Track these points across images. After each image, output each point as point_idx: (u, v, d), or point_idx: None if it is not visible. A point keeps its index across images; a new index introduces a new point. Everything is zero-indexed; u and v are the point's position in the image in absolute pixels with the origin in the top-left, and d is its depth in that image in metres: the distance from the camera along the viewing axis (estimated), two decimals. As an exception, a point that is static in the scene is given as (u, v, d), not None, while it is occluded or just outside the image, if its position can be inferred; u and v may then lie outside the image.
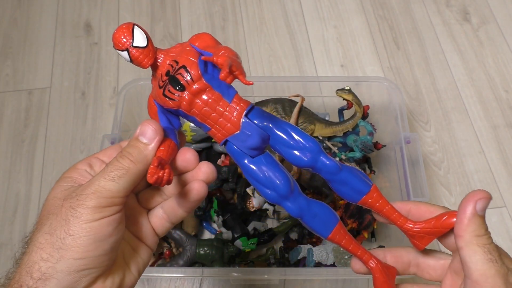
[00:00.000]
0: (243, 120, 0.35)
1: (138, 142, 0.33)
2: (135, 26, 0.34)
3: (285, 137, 0.36)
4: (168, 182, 0.32)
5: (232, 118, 0.35)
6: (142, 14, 1.13)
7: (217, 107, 0.35)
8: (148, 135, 0.33)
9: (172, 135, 0.35)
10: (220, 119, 0.35)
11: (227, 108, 0.35)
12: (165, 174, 0.31)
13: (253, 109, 0.36)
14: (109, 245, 0.31)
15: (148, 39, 0.34)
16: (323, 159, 0.36)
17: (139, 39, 0.33)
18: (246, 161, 0.36)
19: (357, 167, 0.79)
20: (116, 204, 0.32)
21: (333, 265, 0.73)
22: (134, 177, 0.33)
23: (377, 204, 0.37)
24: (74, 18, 1.13)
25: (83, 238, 0.30)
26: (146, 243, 0.37)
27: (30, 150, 0.95)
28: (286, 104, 0.80)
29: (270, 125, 0.36)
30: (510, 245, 0.84)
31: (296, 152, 0.36)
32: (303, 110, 0.80)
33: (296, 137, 0.36)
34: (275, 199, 0.36)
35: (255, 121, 0.35)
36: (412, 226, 0.35)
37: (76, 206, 0.31)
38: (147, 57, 0.34)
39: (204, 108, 0.35)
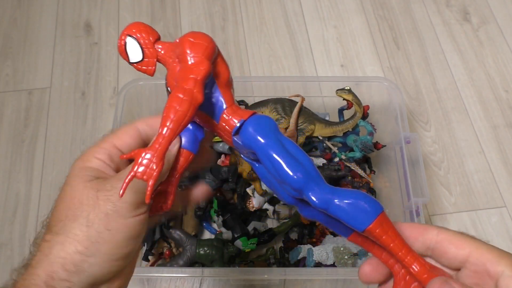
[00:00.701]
0: (233, 138, 0.33)
1: None
2: (128, 40, 0.32)
3: (267, 169, 0.32)
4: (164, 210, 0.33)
5: (225, 136, 0.34)
6: (142, 14, 1.13)
7: (210, 125, 0.34)
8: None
9: (189, 141, 0.34)
10: (218, 131, 0.34)
11: (218, 127, 0.33)
12: (162, 208, 0.33)
13: (242, 127, 0.32)
14: (138, 244, 0.32)
15: (144, 49, 0.32)
16: (310, 196, 0.30)
17: (134, 55, 0.32)
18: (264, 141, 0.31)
19: (358, 167, 0.79)
20: (146, 203, 0.30)
21: (333, 265, 0.73)
22: (160, 176, 0.30)
23: (383, 238, 0.30)
24: (74, 18, 1.13)
25: (120, 234, 0.30)
26: None
27: (30, 150, 0.95)
28: (286, 104, 0.80)
29: (254, 151, 0.32)
30: (510, 245, 0.84)
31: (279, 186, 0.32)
32: (303, 110, 0.80)
33: (279, 172, 0.31)
34: (301, 182, 0.30)
35: (241, 142, 0.32)
36: (417, 269, 0.30)
37: (115, 199, 0.30)
38: (148, 67, 0.33)
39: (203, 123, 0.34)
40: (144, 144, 0.35)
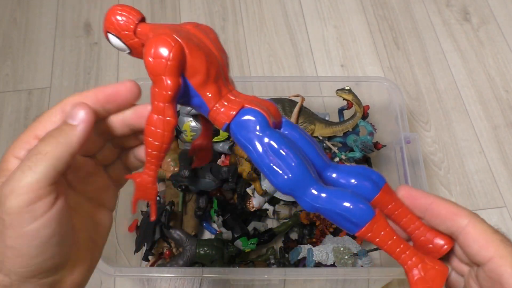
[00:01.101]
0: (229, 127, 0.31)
1: (64, 125, 0.28)
2: (110, 38, 0.30)
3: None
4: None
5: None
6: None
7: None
8: (78, 117, 0.28)
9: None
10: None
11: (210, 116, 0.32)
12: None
13: (230, 129, 0.31)
14: (56, 245, 0.27)
15: (126, 42, 0.30)
16: (299, 202, 0.31)
17: (121, 48, 0.31)
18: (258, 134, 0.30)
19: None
20: (43, 197, 0.26)
21: (333, 265, 0.73)
22: (55, 161, 0.26)
23: (377, 240, 0.30)
24: (74, 18, 1.13)
25: (24, 248, 0.26)
26: (105, 204, 0.34)
27: (30, 150, 0.94)
28: (286, 104, 0.80)
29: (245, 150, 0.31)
30: (510, 245, 0.84)
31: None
32: (303, 110, 0.80)
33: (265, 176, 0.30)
34: (293, 184, 0.30)
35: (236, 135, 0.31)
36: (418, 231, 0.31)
37: (4, 213, 0.25)
38: (140, 55, 0.31)
39: None
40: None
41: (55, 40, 1.09)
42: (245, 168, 0.78)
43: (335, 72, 1.04)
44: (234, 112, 0.30)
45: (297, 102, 0.80)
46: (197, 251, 0.74)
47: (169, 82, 0.28)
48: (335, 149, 0.80)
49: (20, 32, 1.10)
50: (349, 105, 0.81)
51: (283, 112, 0.80)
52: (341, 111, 0.84)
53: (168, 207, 0.76)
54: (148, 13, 1.13)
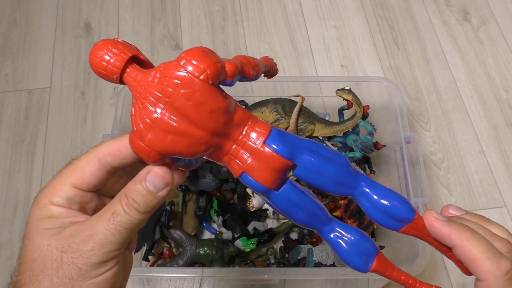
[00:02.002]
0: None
1: (145, 190, 0.29)
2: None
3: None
4: None
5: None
6: (142, 14, 1.13)
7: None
8: (157, 184, 0.30)
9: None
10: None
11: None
12: None
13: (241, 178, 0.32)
14: None
15: (110, 81, 0.29)
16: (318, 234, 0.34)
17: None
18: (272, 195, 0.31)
19: (358, 167, 0.79)
20: (118, 255, 0.29)
21: (333, 265, 0.73)
22: (138, 226, 0.30)
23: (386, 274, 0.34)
24: (74, 18, 1.13)
25: None
26: (129, 246, 0.35)
27: (30, 150, 0.95)
28: (286, 104, 0.80)
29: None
30: (510, 245, 0.84)
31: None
32: (303, 110, 0.80)
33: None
34: (310, 227, 0.33)
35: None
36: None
37: (81, 263, 0.28)
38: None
39: None
40: (108, 175, 0.31)
41: (55, 40, 1.09)
42: (245, 168, 0.78)
43: (335, 72, 1.04)
44: (237, 175, 0.31)
45: (297, 102, 0.80)
46: (197, 251, 0.74)
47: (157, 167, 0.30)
48: (335, 149, 0.80)
49: (20, 32, 1.10)
50: (349, 105, 0.81)
51: (283, 112, 0.80)
52: (341, 111, 0.84)
53: (168, 207, 0.76)
54: (148, 13, 1.13)
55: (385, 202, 0.32)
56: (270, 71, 0.35)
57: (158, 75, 0.27)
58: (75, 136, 0.96)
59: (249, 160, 0.30)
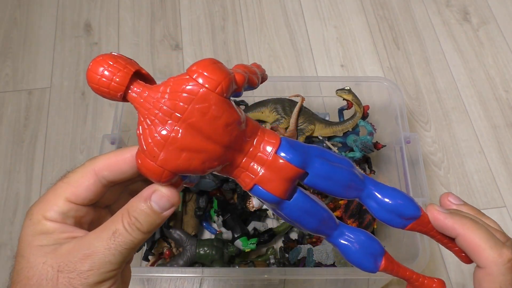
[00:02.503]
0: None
1: (149, 210, 0.28)
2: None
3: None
4: None
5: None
6: (142, 14, 1.13)
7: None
8: (163, 204, 0.29)
9: None
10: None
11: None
12: None
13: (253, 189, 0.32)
14: None
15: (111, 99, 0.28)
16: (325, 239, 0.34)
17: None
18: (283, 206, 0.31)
19: (358, 167, 0.79)
20: (117, 274, 0.28)
21: (333, 265, 0.73)
22: (139, 246, 0.29)
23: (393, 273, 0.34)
24: (74, 18, 1.13)
25: None
26: None
27: (30, 150, 0.95)
28: (286, 104, 0.80)
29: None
30: (510, 245, 0.84)
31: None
32: (303, 110, 0.80)
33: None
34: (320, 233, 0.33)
35: None
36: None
37: (78, 284, 0.27)
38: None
39: None
40: (105, 189, 0.30)
41: (55, 40, 1.09)
42: (245, 168, 0.78)
43: (335, 72, 1.04)
44: (248, 188, 0.30)
45: (297, 102, 0.80)
46: (197, 251, 0.74)
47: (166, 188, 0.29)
48: (335, 149, 0.80)
49: (20, 32, 1.10)
50: (349, 105, 0.81)
51: (283, 112, 0.80)
52: (341, 111, 0.84)
53: (168, 207, 0.76)
54: (148, 13, 1.13)
55: (392, 202, 0.33)
56: (263, 78, 0.35)
57: (168, 90, 0.26)
58: (75, 136, 0.96)
59: (261, 172, 0.29)
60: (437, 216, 0.33)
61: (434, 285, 0.34)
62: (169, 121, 0.26)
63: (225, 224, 0.79)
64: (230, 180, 0.79)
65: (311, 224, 0.32)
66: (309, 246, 0.75)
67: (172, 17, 1.13)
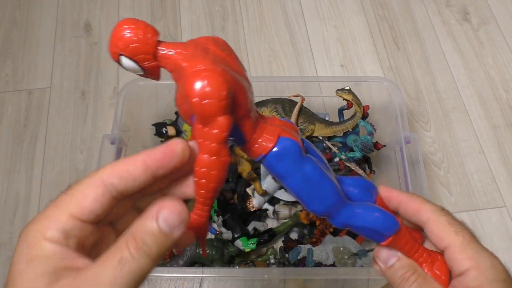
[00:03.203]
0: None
1: (157, 230, 0.24)
2: (122, 60, 0.27)
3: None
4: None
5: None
6: (142, 14, 1.13)
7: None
8: (172, 221, 0.24)
9: None
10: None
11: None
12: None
13: (265, 159, 0.30)
14: None
15: (142, 65, 0.27)
16: (331, 221, 0.33)
17: (133, 69, 0.28)
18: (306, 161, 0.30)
19: (358, 167, 0.79)
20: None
21: (333, 265, 0.73)
22: (148, 274, 0.25)
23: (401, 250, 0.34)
24: (74, 18, 1.13)
25: None
26: None
27: (30, 150, 0.95)
28: (286, 104, 0.80)
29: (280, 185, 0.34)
30: (510, 245, 0.84)
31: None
32: (303, 110, 0.80)
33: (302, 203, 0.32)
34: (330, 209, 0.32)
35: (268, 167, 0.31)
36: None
37: None
38: (152, 76, 0.29)
39: None
40: (114, 202, 0.26)
41: (55, 40, 1.09)
42: (245, 168, 0.78)
43: (335, 72, 1.04)
44: (271, 145, 0.29)
45: (297, 102, 0.80)
46: (197, 251, 0.74)
47: (224, 122, 0.26)
48: (335, 149, 0.80)
49: (20, 32, 1.10)
50: (349, 105, 0.81)
51: (283, 112, 0.80)
52: (341, 111, 0.84)
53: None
54: (148, 12, 1.13)
55: (371, 220, 0.33)
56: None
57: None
58: (75, 136, 0.96)
59: (279, 127, 0.30)
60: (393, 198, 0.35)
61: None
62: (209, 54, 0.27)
63: (225, 224, 0.79)
64: (230, 180, 0.79)
65: (330, 190, 0.31)
66: (309, 246, 0.75)
67: (172, 17, 1.13)
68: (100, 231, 0.27)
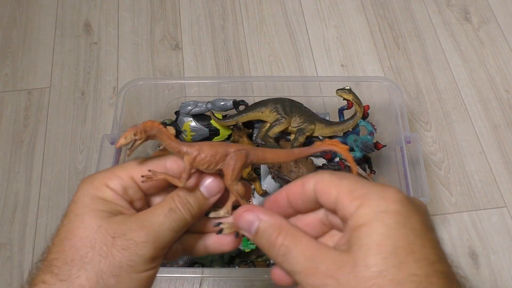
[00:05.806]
0: None
1: (201, 195, 0.31)
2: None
3: None
4: None
5: None
6: (142, 14, 1.13)
7: None
8: (212, 189, 0.32)
9: None
10: None
11: None
12: None
13: None
14: None
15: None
16: None
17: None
18: None
19: (358, 167, 0.79)
20: (162, 256, 0.30)
21: (333, 265, 0.73)
22: (184, 229, 0.30)
23: None
24: (73, 18, 1.12)
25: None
26: None
27: (30, 150, 0.94)
28: (286, 104, 0.80)
29: None
30: (510, 245, 0.83)
31: None
32: (303, 110, 0.80)
33: None
34: None
35: None
36: None
37: (133, 254, 0.27)
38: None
39: None
40: (167, 183, 0.31)
41: (55, 40, 1.09)
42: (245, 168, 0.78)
43: (335, 72, 1.04)
44: None
45: (297, 102, 0.80)
46: (197, 251, 0.74)
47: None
48: (335, 149, 0.80)
49: (20, 32, 1.10)
50: (349, 105, 0.81)
51: (283, 112, 0.79)
52: (341, 111, 0.84)
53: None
54: (147, 12, 1.13)
55: None
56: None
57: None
58: (75, 136, 0.96)
59: None
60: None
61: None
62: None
63: (225, 224, 0.79)
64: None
65: None
66: (309, 246, 0.75)
67: (172, 17, 1.12)
68: (143, 203, 0.32)
